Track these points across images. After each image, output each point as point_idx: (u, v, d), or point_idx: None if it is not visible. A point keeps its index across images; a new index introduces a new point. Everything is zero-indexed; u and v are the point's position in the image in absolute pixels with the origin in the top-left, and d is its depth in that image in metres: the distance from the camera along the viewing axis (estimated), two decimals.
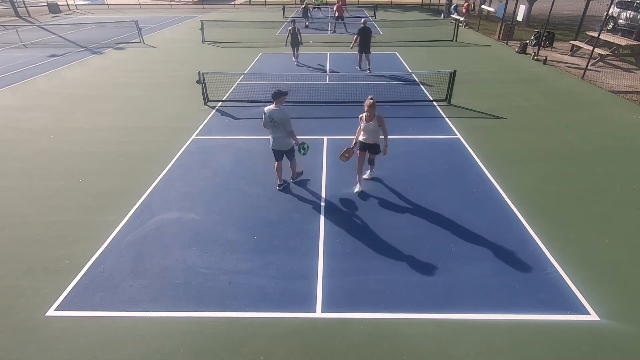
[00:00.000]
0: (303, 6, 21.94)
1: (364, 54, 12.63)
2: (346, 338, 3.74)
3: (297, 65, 14.06)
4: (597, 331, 3.76)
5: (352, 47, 13.14)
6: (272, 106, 5.52)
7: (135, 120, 9.06)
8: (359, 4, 33.54)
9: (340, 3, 21.59)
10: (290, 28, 13.54)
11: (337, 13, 20.97)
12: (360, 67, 13.34)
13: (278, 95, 5.45)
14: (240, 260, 4.75)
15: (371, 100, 5.43)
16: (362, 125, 5.64)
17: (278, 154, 5.90)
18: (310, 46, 16.69)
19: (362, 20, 12.50)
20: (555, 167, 6.78)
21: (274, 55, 15.76)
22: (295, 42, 13.64)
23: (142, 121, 9.01)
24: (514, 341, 3.67)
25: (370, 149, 5.80)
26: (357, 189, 6.07)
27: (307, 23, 22.32)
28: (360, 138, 5.77)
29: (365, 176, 6.31)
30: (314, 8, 27.40)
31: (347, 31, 20.43)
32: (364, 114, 5.63)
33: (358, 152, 5.92)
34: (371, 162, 6.20)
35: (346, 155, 5.94)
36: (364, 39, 12.28)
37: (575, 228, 5.23)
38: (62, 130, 8.55)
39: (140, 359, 3.56)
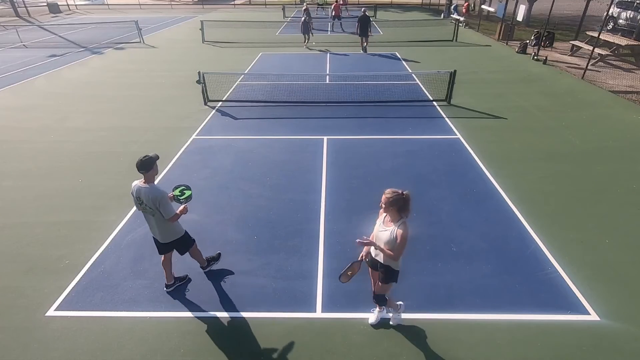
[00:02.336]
0: (304, 8, 21.91)
1: (363, 38, 15.52)
2: (346, 338, 3.74)
3: (306, 47, 16.72)
4: (597, 331, 3.76)
5: (356, 32, 15.68)
6: (139, 182, 3.72)
7: (135, 120, 9.06)
8: (359, 4, 33.53)
9: (338, 3, 21.61)
10: (303, 17, 16.70)
11: (334, 12, 21.08)
12: (363, 50, 15.92)
13: (147, 166, 3.59)
14: (240, 260, 4.75)
15: (400, 194, 3.09)
16: (377, 225, 3.40)
17: (162, 247, 4.07)
18: (311, 47, 16.73)
19: (362, 9, 15.54)
20: (555, 167, 6.78)
21: (274, 55, 15.76)
22: (306, 29, 16.62)
23: (142, 121, 9.01)
24: (514, 341, 3.67)
25: (379, 269, 3.55)
26: (373, 318, 3.91)
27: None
28: (372, 251, 3.56)
29: (391, 321, 3.91)
30: (317, 8, 27.33)
31: (343, 30, 20.66)
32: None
33: (370, 270, 3.79)
34: (379, 300, 3.68)
35: (349, 273, 3.56)
36: (364, 25, 15.08)
37: (575, 228, 5.23)
38: (62, 130, 8.55)
39: (140, 359, 3.56)
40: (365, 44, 15.83)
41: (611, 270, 4.52)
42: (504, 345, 3.63)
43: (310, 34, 17.04)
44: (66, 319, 3.97)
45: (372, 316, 3.93)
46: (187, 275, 4.52)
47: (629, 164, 6.83)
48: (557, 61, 13.97)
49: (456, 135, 8.09)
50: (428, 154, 7.31)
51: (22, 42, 18.67)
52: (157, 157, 3.72)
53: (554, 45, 15.99)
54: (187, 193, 3.95)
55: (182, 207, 3.87)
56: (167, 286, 4.35)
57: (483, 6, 23.29)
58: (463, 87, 10.81)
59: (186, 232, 4.17)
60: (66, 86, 11.84)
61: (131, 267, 4.66)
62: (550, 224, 5.30)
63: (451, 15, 23.40)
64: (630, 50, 13.44)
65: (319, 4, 27.14)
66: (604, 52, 13.14)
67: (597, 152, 7.26)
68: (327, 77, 12.49)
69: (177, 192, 3.93)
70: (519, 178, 6.42)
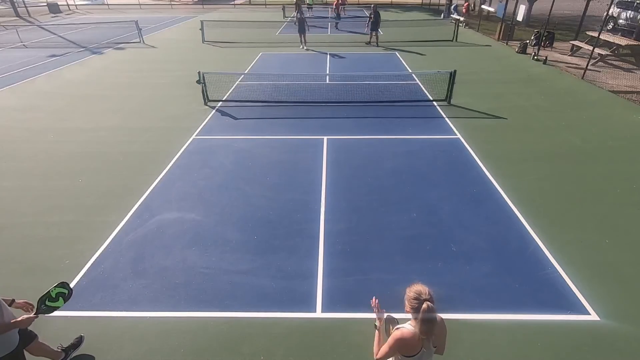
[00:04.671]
0: (295, 2, 21.77)
1: (373, 32, 17.03)
2: (346, 338, 3.74)
3: (306, 49, 16.39)
4: (597, 331, 3.76)
5: (367, 25, 17.10)
6: None
7: (135, 120, 9.06)
8: (359, 4, 33.53)
9: (338, 1, 21.75)
10: (298, 16, 16.43)
11: (335, 9, 21.35)
12: (368, 43, 17.35)
13: None
14: (240, 260, 4.75)
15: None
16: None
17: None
18: (311, 48, 16.75)
19: (372, 6, 17.16)
20: (555, 167, 6.78)
21: (274, 55, 15.76)
22: (302, 29, 16.18)
23: (142, 121, 9.01)
24: (514, 341, 3.67)
25: None
26: None
27: (295, 21, 21.67)
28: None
29: None
30: (308, 8, 27.18)
31: (337, 29, 21.22)
32: (410, 335, 2.35)
33: None
34: None
35: None
36: (375, 20, 16.73)
37: (575, 228, 5.23)
38: (62, 130, 8.55)
39: (140, 359, 3.56)
40: (376, 38, 17.19)
41: (611, 270, 4.52)
42: (504, 345, 3.63)
43: (303, 35, 16.35)
44: (66, 319, 3.97)
45: None
46: (81, 337, 3.67)
47: (629, 164, 6.83)
48: (557, 61, 13.97)
49: (456, 135, 8.08)
50: (428, 154, 7.31)
51: (22, 42, 18.66)
52: None
53: (554, 45, 15.98)
54: (60, 302, 2.77)
55: (23, 317, 2.69)
56: None
57: (483, 6, 23.29)
58: (463, 87, 10.81)
59: (20, 342, 2.94)
60: (66, 86, 11.84)
61: (131, 267, 4.66)
62: (550, 224, 5.30)
63: (451, 15, 23.39)
64: (630, 50, 13.45)
65: (308, 4, 26.93)
66: (604, 52, 13.14)
67: (597, 152, 7.26)
68: (327, 77, 12.49)
69: (53, 292, 2.75)
70: (519, 178, 6.42)
